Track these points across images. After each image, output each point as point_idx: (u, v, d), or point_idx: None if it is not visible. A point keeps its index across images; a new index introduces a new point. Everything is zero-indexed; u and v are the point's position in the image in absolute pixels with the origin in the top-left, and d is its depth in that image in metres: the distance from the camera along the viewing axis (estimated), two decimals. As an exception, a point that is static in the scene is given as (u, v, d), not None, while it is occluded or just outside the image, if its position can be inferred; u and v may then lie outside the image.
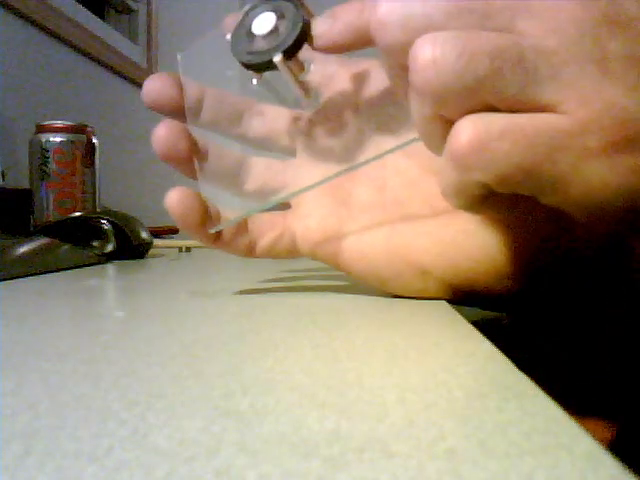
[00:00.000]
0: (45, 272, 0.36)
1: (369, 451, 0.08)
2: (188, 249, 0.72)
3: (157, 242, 0.66)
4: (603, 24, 0.16)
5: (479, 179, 0.17)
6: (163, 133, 0.25)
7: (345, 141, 0.26)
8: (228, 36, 0.24)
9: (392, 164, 0.26)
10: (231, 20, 0.24)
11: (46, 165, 0.68)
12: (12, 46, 0.93)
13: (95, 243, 0.49)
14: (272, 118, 0.27)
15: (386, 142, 0.25)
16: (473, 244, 0.24)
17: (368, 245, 0.26)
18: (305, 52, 0.23)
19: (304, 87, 0.24)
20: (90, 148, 0.71)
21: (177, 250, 0.71)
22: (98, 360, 0.14)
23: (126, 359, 0.14)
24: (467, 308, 0.26)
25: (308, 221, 0.27)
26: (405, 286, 0.26)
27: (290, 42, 0.22)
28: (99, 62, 1.19)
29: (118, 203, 0.89)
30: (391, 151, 0.23)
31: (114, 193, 1.09)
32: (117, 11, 1.36)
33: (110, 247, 0.49)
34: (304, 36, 0.22)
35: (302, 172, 0.27)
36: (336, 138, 0.26)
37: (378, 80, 0.25)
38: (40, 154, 0.68)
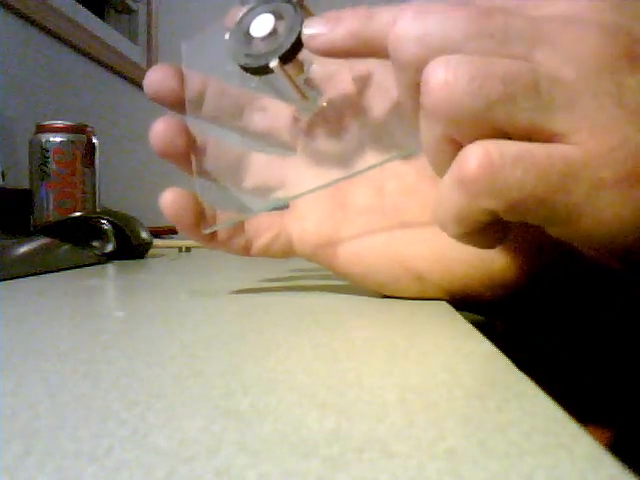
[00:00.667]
0: (45, 272, 0.36)
1: (369, 451, 0.08)
2: (188, 249, 0.72)
3: (157, 242, 0.66)
4: (623, 58, 0.16)
5: (487, 206, 0.16)
6: (161, 129, 0.25)
7: (344, 143, 0.26)
8: (227, 35, 0.24)
9: (390, 168, 0.26)
10: (235, 13, 0.24)
11: (46, 165, 0.68)
12: (12, 46, 0.93)
13: (95, 243, 0.49)
14: (274, 113, 0.27)
15: (386, 146, 0.25)
16: (469, 252, 0.24)
17: (364, 249, 0.26)
18: (305, 52, 0.23)
19: (302, 90, 0.24)
20: (90, 148, 0.71)
21: (177, 250, 0.71)
22: (98, 360, 0.14)
23: (126, 359, 0.14)
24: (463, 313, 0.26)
25: (305, 223, 0.26)
26: (401, 290, 0.26)
27: (287, 46, 0.22)
28: (99, 62, 1.19)
29: (118, 203, 0.89)
30: (390, 159, 0.23)
31: (114, 193, 1.09)
32: (117, 11, 1.36)
33: (110, 247, 0.49)
34: (302, 40, 0.22)
35: (301, 171, 0.27)
36: (335, 140, 0.26)
37: (380, 81, 0.25)
38: (40, 154, 0.68)
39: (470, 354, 0.15)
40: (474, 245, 0.19)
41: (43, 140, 0.68)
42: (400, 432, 0.09)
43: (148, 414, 0.10)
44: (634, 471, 0.08)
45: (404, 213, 0.25)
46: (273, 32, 0.23)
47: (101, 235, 0.49)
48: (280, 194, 0.27)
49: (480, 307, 0.27)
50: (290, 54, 0.22)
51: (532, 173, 0.15)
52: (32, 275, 0.34)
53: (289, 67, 0.23)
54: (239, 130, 0.27)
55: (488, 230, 0.18)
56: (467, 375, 0.13)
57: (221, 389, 0.12)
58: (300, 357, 0.15)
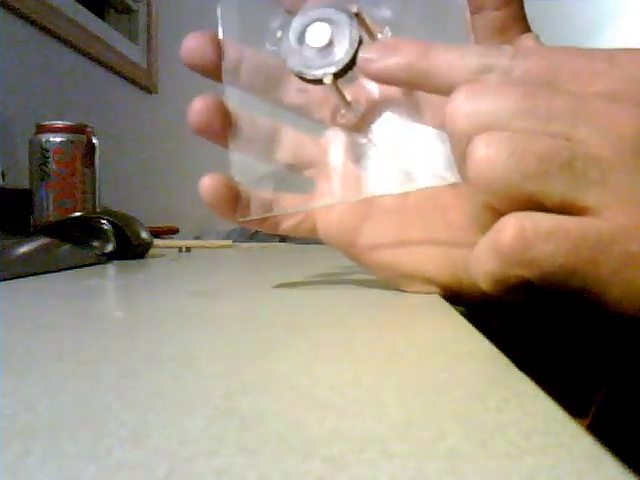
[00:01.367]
0: (45, 272, 0.36)
1: (369, 451, 0.08)
2: (188, 249, 0.72)
3: (157, 242, 0.66)
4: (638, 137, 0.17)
5: (519, 274, 0.18)
6: (199, 107, 0.26)
7: (379, 153, 0.27)
8: (279, 34, 0.24)
9: None
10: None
11: (46, 165, 0.68)
12: (12, 46, 0.93)
13: (95, 243, 0.49)
14: (310, 88, 0.28)
15: (426, 170, 0.25)
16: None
17: (382, 246, 0.27)
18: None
19: (348, 102, 0.24)
20: (90, 148, 0.71)
21: (177, 250, 0.71)
22: (98, 360, 0.14)
23: (126, 359, 0.14)
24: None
25: (330, 214, 0.27)
26: (408, 285, 0.28)
27: (342, 65, 0.22)
28: (99, 62, 1.19)
29: (118, 203, 0.89)
30: (427, 186, 0.24)
31: (114, 193, 1.09)
32: (117, 11, 1.36)
33: (110, 247, 0.49)
34: (356, 58, 0.22)
35: (329, 157, 0.27)
36: (368, 143, 0.27)
37: (428, 104, 0.25)
38: (40, 154, 0.68)
39: (470, 354, 0.15)
40: (505, 297, 0.20)
41: (43, 140, 0.68)
42: (400, 432, 0.09)
43: (148, 414, 0.10)
44: (634, 471, 0.08)
45: (424, 217, 0.27)
46: (329, 44, 0.23)
47: (101, 235, 0.49)
48: (309, 173, 0.28)
49: (477, 303, 0.27)
50: (344, 72, 0.23)
51: (564, 247, 0.17)
52: (32, 275, 0.34)
53: (341, 80, 0.23)
54: (274, 101, 0.28)
55: (520, 289, 0.19)
56: (467, 375, 0.13)
57: (221, 389, 0.12)
58: (300, 357, 0.15)
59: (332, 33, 0.23)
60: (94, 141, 0.72)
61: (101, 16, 1.26)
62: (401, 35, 0.25)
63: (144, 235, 0.53)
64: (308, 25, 0.23)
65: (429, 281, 0.26)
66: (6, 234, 0.55)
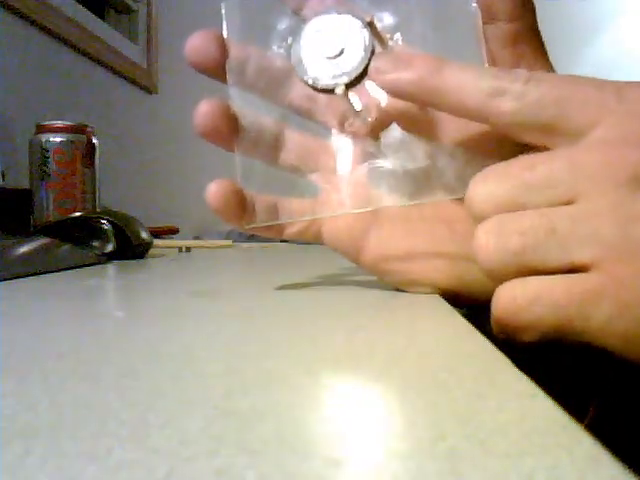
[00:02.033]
0: (45, 272, 0.36)
1: (369, 451, 0.08)
2: (188, 249, 0.72)
3: (157, 242, 0.66)
4: (634, 182, 0.17)
5: (516, 336, 0.19)
6: (205, 111, 0.25)
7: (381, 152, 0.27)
8: (289, 40, 0.23)
9: None
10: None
11: (46, 165, 0.68)
12: (12, 46, 0.93)
13: (95, 243, 0.49)
14: (318, 94, 0.27)
15: (434, 183, 0.26)
16: (484, 279, 0.25)
17: (388, 254, 0.27)
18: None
19: (357, 111, 0.24)
20: (90, 148, 0.71)
21: (177, 250, 0.71)
22: (98, 360, 0.14)
23: (126, 359, 0.14)
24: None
25: (335, 220, 0.27)
26: (412, 290, 0.28)
27: (354, 76, 0.22)
28: (99, 62, 1.19)
29: (118, 203, 0.89)
30: (436, 199, 0.25)
31: (114, 193, 1.09)
32: (117, 11, 1.36)
33: (110, 247, 0.49)
34: (368, 68, 0.22)
35: (336, 162, 0.27)
36: (376, 152, 0.27)
37: (440, 118, 0.25)
38: (40, 154, 0.68)
39: (470, 354, 0.15)
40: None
41: (43, 140, 0.68)
42: (400, 432, 0.09)
43: (148, 414, 0.10)
44: (634, 471, 0.08)
45: (429, 225, 0.27)
46: (341, 53, 0.22)
47: (101, 235, 0.49)
48: (314, 177, 0.28)
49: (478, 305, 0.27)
50: (356, 82, 0.23)
51: (550, 308, 0.18)
52: (32, 275, 0.34)
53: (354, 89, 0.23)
54: (279, 103, 0.27)
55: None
56: (467, 375, 0.13)
57: (221, 389, 0.12)
58: (300, 357, 0.15)
59: (345, 41, 0.22)
60: (94, 141, 0.72)
61: (101, 16, 1.26)
62: (411, 41, 0.25)
63: (144, 235, 0.53)
64: (320, 32, 0.23)
65: (433, 287, 0.27)
66: (6, 234, 0.55)
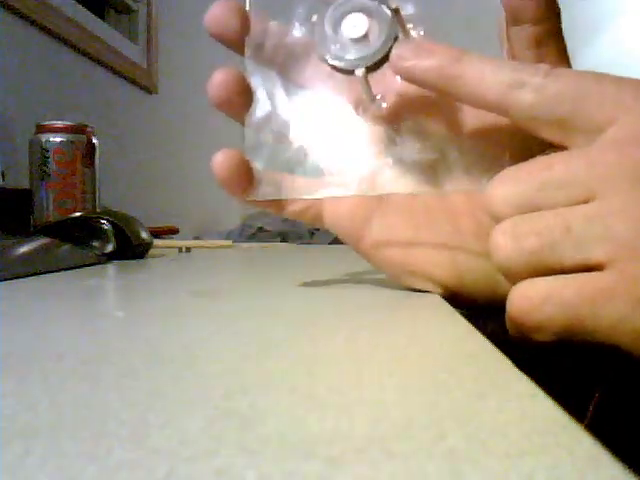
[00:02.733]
0: (45, 272, 0.36)
1: (369, 451, 0.08)
2: (188, 249, 0.72)
3: (157, 242, 0.66)
4: None
5: (534, 337, 0.19)
6: (219, 80, 0.25)
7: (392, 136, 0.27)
8: (314, 17, 0.23)
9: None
10: None
11: (46, 165, 0.68)
12: (12, 46, 0.93)
13: (95, 243, 0.49)
14: (336, 74, 0.27)
15: (451, 173, 0.26)
16: (482, 273, 0.26)
17: (387, 243, 0.27)
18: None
19: (373, 96, 0.24)
20: (90, 148, 0.71)
21: (177, 250, 0.71)
22: (98, 360, 0.14)
23: (126, 359, 0.14)
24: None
25: (338, 206, 0.27)
26: (410, 282, 0.27)
27: (376, 59, 0.22)
28: (99, 62, 1.19)
29: (118, 203, 0.89)
30: (453, 190, 0.25)
31: (114, 193, 1.09)
32: (117, 11, 1.36)
33: (110, 247, 0.49)
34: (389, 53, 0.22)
35: (346, 144, 0.27)
36: (390, 138, 0.27)
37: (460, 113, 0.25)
38: (40, 154, 0.68)
39: (470, 354, 0.15)
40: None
41: (43, 140, 0.68)
42: (400, 432, 0.09)
43: (148, 414, 0.10)
44: (634, 471, 0.08)
45: (433, 218, 0.27)
46: (364, 36, 0.23)
47: (101, 235, 0.49)
48: (320, 157, 0.27)
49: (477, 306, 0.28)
50: (376, 67, 0.23)
51: (561, 309, 0.18)
52: (32, 275, 0.34)
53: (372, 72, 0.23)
54: (295, 80, 0.27)
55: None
56: (467, 375, 0.13)
57: (221, 389, 0.12)
58: (300, 357, 0.15)
59: (369, 25, 0.23)
60: (94, 141, 0.72)
61: (101, 16, 1.26)
62: (433, 35, 0.25)
63: (144, 235, 0.53)
64: (346, 14, 0.23)
65: (432, 281, 0.26)
66: (6, 234, 0.55)
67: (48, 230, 0.50)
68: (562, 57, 0.24)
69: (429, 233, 0.26)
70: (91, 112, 1.13)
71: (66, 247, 0.44)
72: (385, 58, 0.22)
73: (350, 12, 0.23)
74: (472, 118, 0.25)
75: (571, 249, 0.18)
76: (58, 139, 0.68)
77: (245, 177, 0.25)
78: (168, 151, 1.56)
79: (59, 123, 0.69)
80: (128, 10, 1.37)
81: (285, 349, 0.16)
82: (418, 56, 0.21)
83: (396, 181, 0.26)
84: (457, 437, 0.09)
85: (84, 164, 0.70)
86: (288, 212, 0.27)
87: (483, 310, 0.30)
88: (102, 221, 0.50)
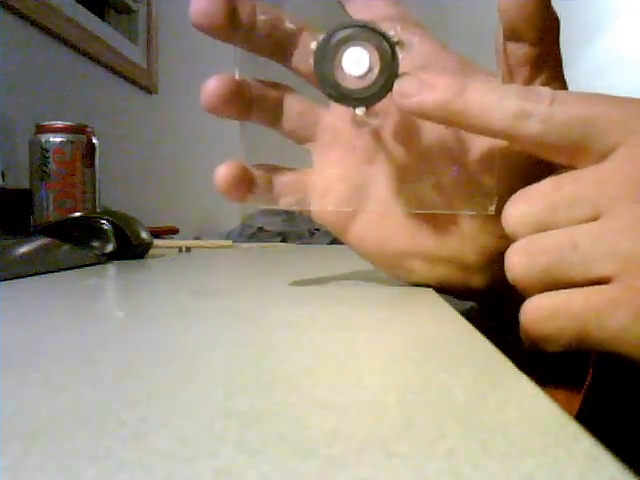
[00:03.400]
0: (45, 272, 0.36)
1: (369, 451, 0.08)
2: (188, 249, 0.72)
3: (157, 242, 0.66)
4: None
5: (545, 347, 0.20)
6: (214, 86, 0.25)
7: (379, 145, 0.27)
8: (313, 45, 0.23)
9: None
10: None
11: (46, 165, 0.68)
12: (12, 46, 0.93)
13: (95, 243, 0.49)
14: None
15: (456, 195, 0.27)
16: (464, 267, 0.27)
17: (371, 240, 0.28)
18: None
19: (366, 115, 0.24)
20: (90, 148, 0.71)
21: (177, 250, 0.71)
22: (98, 360, 0.14)
23: (126, 359, 0.14)
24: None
25: (325, 200, 0.28)
26: (392, 273, 0.30)
27: (377, 98, 0.22)
28: (99, 62, 1.19)
29: (118, 203, 0.89)
30: (456, 212, 0.26)
31: (114, 193, 1.09)
32: (117, 11, 1.36)
33: (110, 247, 0.49)
34: (391, 90, 0.22)
35: (329, 133, 0.28)
36: (373, 141, 0.27)
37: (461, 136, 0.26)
38: (40, 154, 0.68)
39: (470, 354, 0.15)
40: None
41: (43, 140, 0.68)
42: (400, 432, 0.09)
43: (148, 414, 0.10)
44: (634, 471, 0.08)
45: (416, 223, 0.27)
46: (367, 72, 0.22)
47: (101, 235, 0.49)
48: (309, 147, 0.28)
49: (463, 294, 0.30)
50: (377, 101, 0.22)
51: (568, 321, 0.19)
52: (32, 275, 0.34)
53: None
54: (286, 66, 0.27)
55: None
56: (467, 375, 0.13)
57: (221, 389, 0.12)
58: (300, 357, 0.15)
59: (370, 62, 0.22)
60: (94, 141, 0.72)
61: (101, 16, 1.26)
62: (434, 40, 0.25)
63: (144, 235, 0.53)
64: (347, 46, 0.22)
65: (413, 273, 0.28)
66: (6, 234, 0.55)
67: (48, 230, 0.50)
68: (558, 73, 0.24)
69: (408, 238, 0.27)
70: (91, 112, 1.13)
71: (66, 247, 0.44)
72: (386, 92, 0.22)
73: (350, 45, 0.22)
74: (464, 140, 0.26)
75: (579, 266, 0.19)
76: (58, 139, 0.68)
77: (245, 186, 0.26)
78: (168, 151, 1.56)
79: (59, 123, 0.69)
80: (128, 10, 1.37)
81: (285, 349, 0.16)
82: (421, 92, 0.21)
83: (387, 198, 0.27)
84: (457, 437, 0.09)
85: (84, 164, 0.70)
86: (279, 205, 0.28)
87: (483, 310, 0.30)
88: (102, 221, 0.50)
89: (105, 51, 1.20)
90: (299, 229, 1.34)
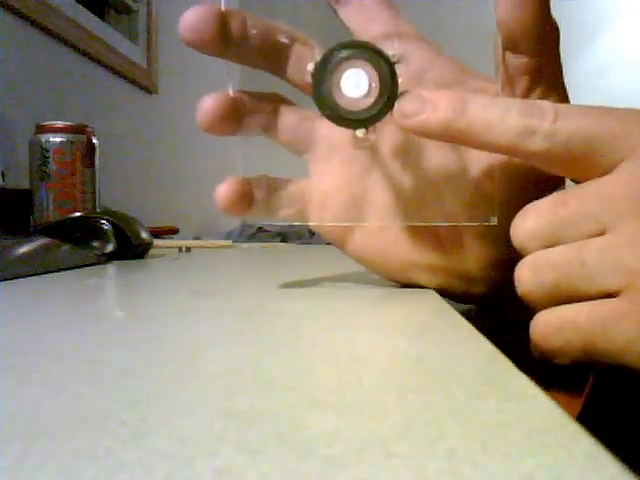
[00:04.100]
0: (45, 272, 0.36)
1: (369, 451, 0.08)
2: (188, 249, 0.72)
3: (157, 242, 0.66)
4: None
5: (555, 360, 0.20)
6: (210, 104, 0.25)
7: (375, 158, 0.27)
8: (309, 67, 0.22)
9: (410, 169, 0.28)
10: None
11: (46, 165, 0.68)
12: (12, 46, 0.93)
13: (95, 243, 0.49)
14: None
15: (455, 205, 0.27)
16: (465, 276, 0.28)
17: (370, 251, 0.28)
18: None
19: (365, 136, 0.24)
20: (90, 148, 0.71)
21: (177, 250, 0.71)
22: (98, 360, 0.14)
23: (126, 359, 0.14)
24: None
25: (323, 213, 0.28)
26: (392, 280, 0.30)
27: (376, 120, 0.22)
28: (99, 62, 1.19)
29: (118, 203, 0.89)
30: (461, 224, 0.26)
31: (114, 193, 1.09)
32: (117, 11, 1.36)
33: (110, 247, 0.49)
34: (391, 110, 0.22)
35: (326, 144, 0.28)
36: (370, 152, 0.27)
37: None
38: (40, 154, 0.68)
39: (470, 354, 0.15)
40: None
41: (43, 140, 0.68)
42: (400, 432, 0.09)
43: (148, 414, 0.10)
44: (634, 471, 0.08)
45: (417, 234, 0.28)
46: (365, 95, 0.22)
47: (101, 235, 0.49)
48: (307, 158, 0.28)
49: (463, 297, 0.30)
50: (376, 123, 0.22)
51: (575, 334, 0.19)
52: (32, 275, 0.34)
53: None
54: (281, 78, 0.27)
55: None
56: (467, 375, 0.13)
57: (221, 389, 0.12)
58: (300, 357, 0.15)
59: (369, 83, 0.22)
60: (94, 141, 0.72)
61: (101, 16, 1.26)
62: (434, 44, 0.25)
63: (144, 235, 0.53)
64: (345, 67, 0.22)
65: (412, 282, 0.29)
66: (6, 234, 0.55)
67: (48, 230, 0.50)
68: (558, 82, 0.24)
69: (409, 248, 0.28)
70: (91, 112, 1.13)
71: (66, 247, 0.44)
72: (386, 113, 0.22)
73: (349, 66, 0.22)
74: (463, 151, 0.26)
75: (586, 280, 0.19)
76: (58, 139, 0.68)
77: (246, 202, 0.26)
78: (168, 151, 1.56)
79: (59, 123, 0.69)
80: (128, 10, 1.37)
81: (285, 349, 0.16)
82: (422, 111, 0.21)
83: (386, 210, 0.27)
84: (457, 437, 0.09)
85: (84, 164, 0.70)
86: (278, 217, 0.28)
87: (483, 310, 0.30)
88: (102, 221, 0.50)
89: (105, 51, 1.20)
90: (299, 229, 1.34)
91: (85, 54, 1.14)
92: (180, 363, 0.14)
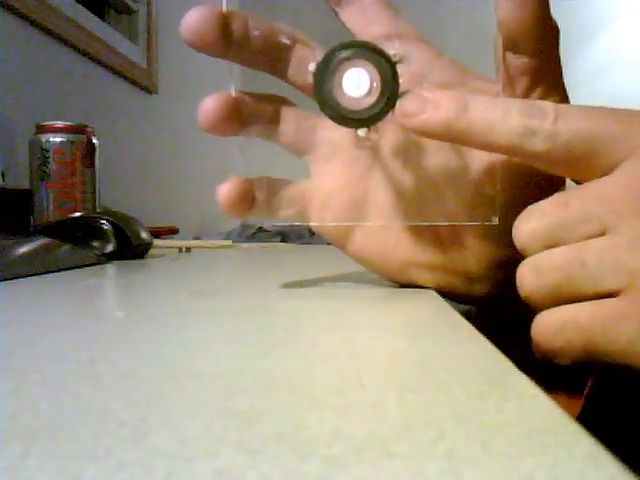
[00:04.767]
0: (45, 272, 0.36)
1: (369, 451, 0.08)
2: (188, 249, 0.72)
3: (157, 242, 0.66)
4: None
5: (556, 361, 0.20)
6: (212, 104, 0.25)
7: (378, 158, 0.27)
8: (311, 66, 0.22)
9: (412, 168, 0.28)
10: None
11: (46, 165, 0.68)
12: (12, 46, 0.93)
13: (95, 243, 0.49)
14: None
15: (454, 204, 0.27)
16: (466, 276, 0.28)
17: (371, 250, 0.28)
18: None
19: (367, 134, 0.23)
20: (90, 148, 0.71)
21: (177, 250, 0.71)
22: (98, 360, 0.14)
23: (126, 359, 0.14)
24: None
25: (324, 213, 0.28)
26: (393, 280, 0.30)
27: (377, 120, 0.22)
28: (99, 62, 1.19)
29: (118, 203, 0.89)
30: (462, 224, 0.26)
31: (114, 193, 1.09)
32: (117, 11, 1.36)
33: (110, 247, 0.49)
34: (392, 109, 0.22)
35: (327, 145, 0.28)
36: (373, 153, 0.27)
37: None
38: (40, 154, 0.68)
39: (470, 354, 0.15)
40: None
41: (43, 140, 0.68)
42: (400, 432, 0.09)
43: (148, 414, 0.10)
44: (634, 471, 0.08)
45: (417, 232, 0.28)
46: (367, 94, 0.22)
47: (101, 235, 0.49)
48: (308, 159, 0.28)
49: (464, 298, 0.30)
50: (378, 121, 0.22)
51: (575, 334, 0.19)
52: (32, 275, 0.34)
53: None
54: (282, 79, 0.27)
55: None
56: (467, 375, 0.13)
57: (221, 389, 0.12)
58: (300, 357, 0.15)
59: (371, 83, 0.22)
60: (94, 141, 0.72)
61: (101, 16, 1.26)
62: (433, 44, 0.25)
63: (144, 235, 0.53)
64: (346, 67, 0.22)
65: (411, 281, 0.29)
66: (6, 234, 0.55)
67: (48, 230, 0.50)
68: (558, 82, 0.24)
69: (409, 247, 0.28)
70: (91, 112, 1.13)
71: (66, 247, 0.44)
72: (388, 112, 0.22)
73: (350, 66, 0.22)
74: (464, 151, 0.26)
75: (587, 281, 0.19)
76: (58, 139, 0.68)
77: (247, 202, 0.26)
78: (168, 151, 1.56)
79: (59, 123, 0.69)
80: (128, 10, 1.37)
81: (285, 349, 0.16)
82: (423, 111, 0.21)
83: (387, 210, 0.27)
84: (457, 437, 0.09)
85: (84, 164, 0.70)
86: (279, 218, 0.28)
87: (482, 310, 0.30)
88: (102, 221, 0.50)
89: (105, 51, 1.20)
90: (299, 229, 1.34)
91: (85, 54, 1.14)
92: (180, 363, 0.14)
